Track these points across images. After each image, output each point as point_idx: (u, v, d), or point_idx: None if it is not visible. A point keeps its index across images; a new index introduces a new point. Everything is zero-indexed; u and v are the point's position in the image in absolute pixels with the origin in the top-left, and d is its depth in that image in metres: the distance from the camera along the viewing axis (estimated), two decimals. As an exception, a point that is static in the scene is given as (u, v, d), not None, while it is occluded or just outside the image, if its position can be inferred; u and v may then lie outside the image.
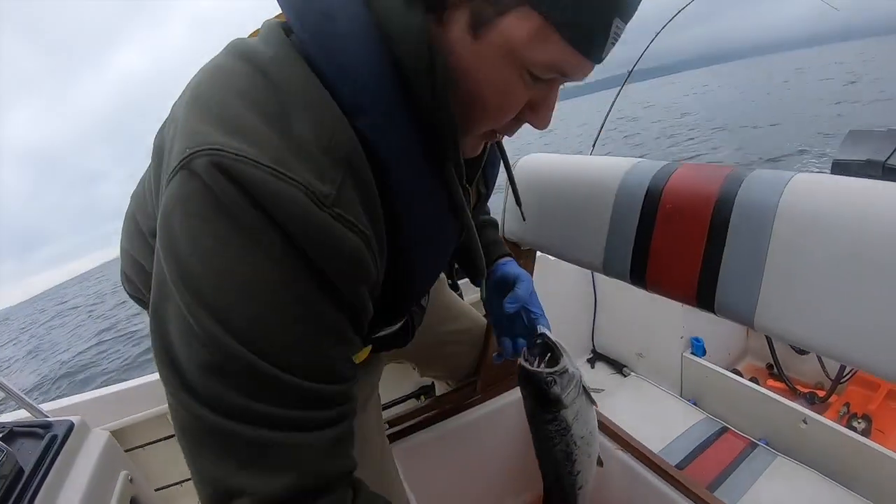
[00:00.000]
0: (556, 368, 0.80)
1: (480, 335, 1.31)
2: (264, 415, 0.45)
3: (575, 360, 0.84)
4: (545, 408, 0.83)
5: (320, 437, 0.48)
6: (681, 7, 2.42)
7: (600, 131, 2.57)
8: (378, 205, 0.51)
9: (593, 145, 2.58)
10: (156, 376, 1.83)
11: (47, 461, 1.02)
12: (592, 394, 0.87)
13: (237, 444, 0.44)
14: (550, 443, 0.86)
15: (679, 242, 0.70)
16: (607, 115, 2.60)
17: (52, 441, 1.09)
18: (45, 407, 1.70)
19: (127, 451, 1.77)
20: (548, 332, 0.86)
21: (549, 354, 0.83)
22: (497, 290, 0.98)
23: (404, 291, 0.61)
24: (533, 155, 1.04)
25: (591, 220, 0.83)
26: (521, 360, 0.83)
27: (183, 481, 1.87)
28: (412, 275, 0.60)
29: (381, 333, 0.77)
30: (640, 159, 0.83)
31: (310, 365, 0.47)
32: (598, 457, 1.01)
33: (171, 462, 1.83)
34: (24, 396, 1.34)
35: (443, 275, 1.18)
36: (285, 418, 0.45)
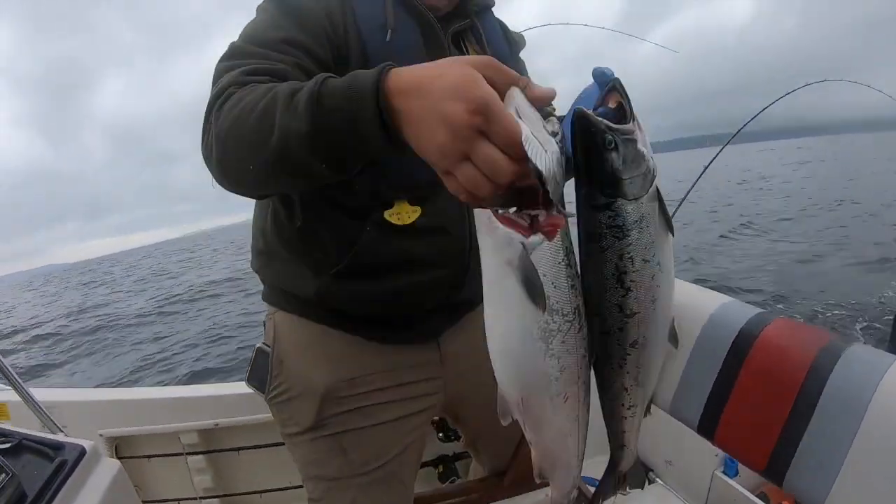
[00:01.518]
0: (620, 126, 0.62)
1: None
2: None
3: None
4: (595, 185, 0.64)
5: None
6: (794, 88, 2.60)
7: (686, 195, 2.46)
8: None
9: (677, 207, 2.38)
10: (171, 393, 1.96)
11: (52, 489, 1.00)
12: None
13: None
14: (596, 247, 0.64)
15: (761, 406, 0.68)
16: (696, 179, 2.54)
17: (60, 467, 1.06)
18: (58, 396, 1.81)
19: (132, 458, 1.86)
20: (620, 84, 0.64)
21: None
22: None
23: None
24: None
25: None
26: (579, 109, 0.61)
27: (182, 500, 1.90)
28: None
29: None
30: (732, 299, 0.83)
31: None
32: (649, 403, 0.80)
33: (174, 478, 1.89)
34: (43, 409, 1.36)
35: None
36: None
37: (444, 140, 0.50)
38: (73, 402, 1.84)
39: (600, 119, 0.62)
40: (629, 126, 0.63)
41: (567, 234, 0.63)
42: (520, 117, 0.51)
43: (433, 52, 0.93)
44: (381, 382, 1.04)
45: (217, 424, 1.84)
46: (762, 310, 0.74)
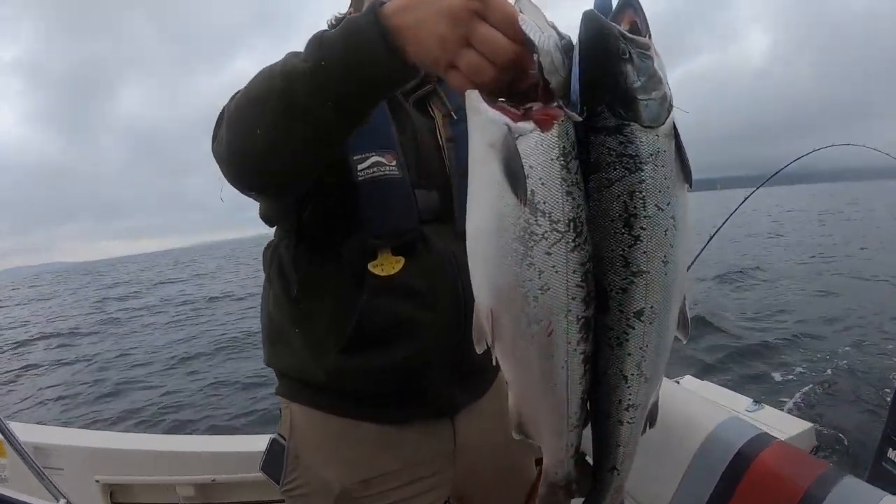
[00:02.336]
0: (637, 38, 0.55)
1: None
2: None
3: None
4: (605, 102, 0.55)
5: None
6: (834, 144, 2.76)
7: (716, 231, 2.52)
8: None
9: (706, 244, 2.46)
10: (170, 445, 1.93)
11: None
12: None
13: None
14: (603, 178, 0.56)
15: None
16: (725, 220, 2.58)
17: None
18: (57, 438, 1.89)
19: None
20: None
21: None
22: None
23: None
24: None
25: (667, 456, 0.80)
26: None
27: None
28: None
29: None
30: (735, 415, 0.83)
31: None
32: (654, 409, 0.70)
33: None
34: (42, 471, 1.44)
35: None
36: None
37: (444, 30, 0.53)
38: (71, 447, 1.86)
39: (614, 24, 0.53)
40: (646, 40, 0.55)
41: (569, 136, 0.54)
42: (521, 11, 0.53)
43: (398, 118, 0.98)
44: (395, 482, 1.04)
45: (214, 480, 1.82)
46: (761, 430, 0.78)
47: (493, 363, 0.63)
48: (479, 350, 0.62)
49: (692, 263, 2.60)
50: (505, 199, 0.53)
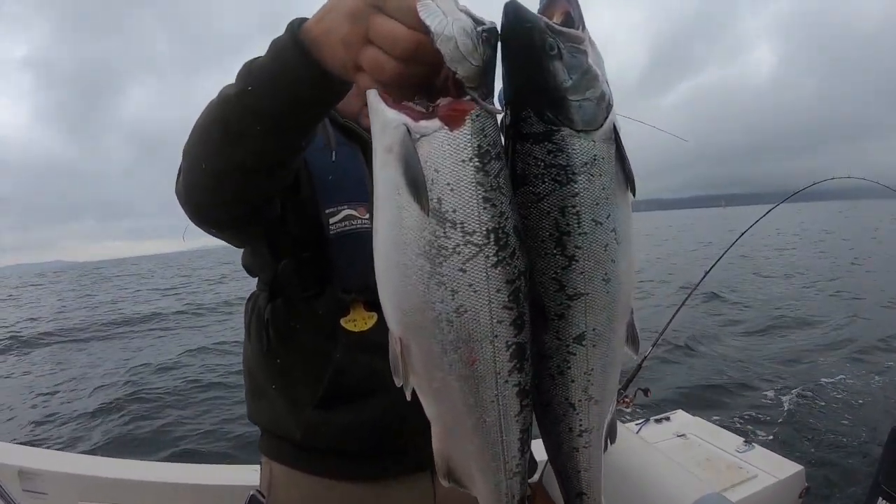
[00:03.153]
0: (566, 29, 0.49)
1: None
2: None
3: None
4: (531, 103, 0.49)
5: None
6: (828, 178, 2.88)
7: (730, 247, 2.52)
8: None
9: (717, 260, 2.47)
10: (156, 474, 1.93)
11: None
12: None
13: None
14: (530, 193, 0.51)
15: None
16: (741, 234, 2.59)
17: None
18: (43, 462, 1.89)
19: None
20: None
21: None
22: None
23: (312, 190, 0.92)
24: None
25: None
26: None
27: None
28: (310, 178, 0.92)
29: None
30: (713, 493, 0.85)
31: None
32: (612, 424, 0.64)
33: None
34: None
35: None
36: None
37: (346, 30, 0.50)
38: (56, 473, 1.86)
39: (540, 16, 0.46)
40: (578, 32, 0.48)
41: (485, 134, 0.47)
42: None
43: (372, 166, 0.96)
44: None
45: None
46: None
47: (408, 399, 0.56)
48: (397, 383, 0.55)
49: (699, 283, 2.58)
50: (407, 209, 0.46)
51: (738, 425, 4.26)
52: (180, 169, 0.75)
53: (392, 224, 0.48)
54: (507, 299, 0.48)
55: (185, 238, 0.96)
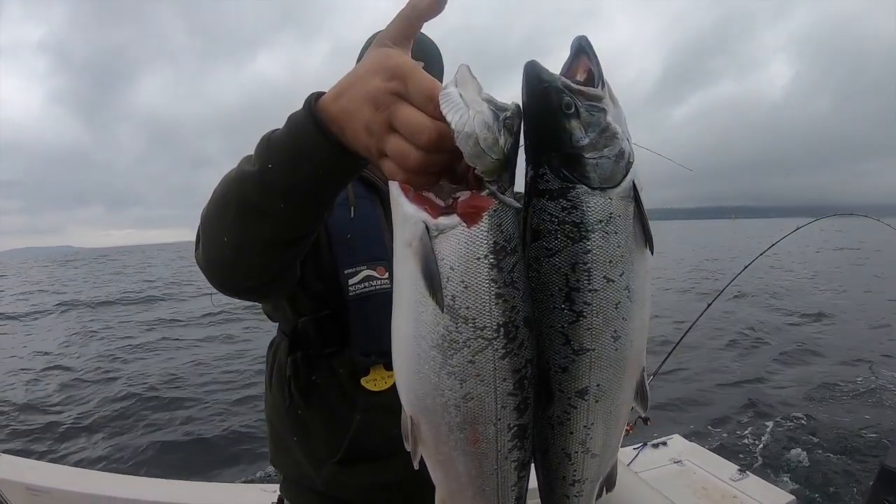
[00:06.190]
0: (585, 88, 0.48)
1: None
2: None
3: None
4: (547, 160, 0.49)
5: None
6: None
7: (754, 260, 2.52)
8: None
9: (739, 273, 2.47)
10: (162, 491, 1.92)
11: None
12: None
13: None
14: (542, 248, 0.51)
15: None
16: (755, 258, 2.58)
17: None
18: (51, 479, 1.89)
19: None
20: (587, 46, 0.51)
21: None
22: None
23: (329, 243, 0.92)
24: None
25: None
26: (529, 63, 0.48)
27: None
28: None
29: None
30: None
31: None
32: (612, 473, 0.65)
33: None
34: None
35: None
36: None
37: (368, 116, 0.49)
38: (64, 491, 1.85)
39: (558, 76, 0.46)
40: (596, 91, 0.47)
41: (502, 229, 0.48)
42: (456, 84, 0.46)
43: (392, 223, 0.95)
44: None
45: None
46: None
47: (416, 467, 0.58)
48: (408, 448, 0.58)
49: (720, 293, 2.56)
50: (423, 303, 0.48)
51: (732, 448, 4.25)
52: (198, 236, 0.74)
53: (409, 317, 0.50)
54: (512, 387, 0.51)
55: (214, 303, 0.97)
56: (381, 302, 0.89)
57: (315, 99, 0.55)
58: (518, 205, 0.48)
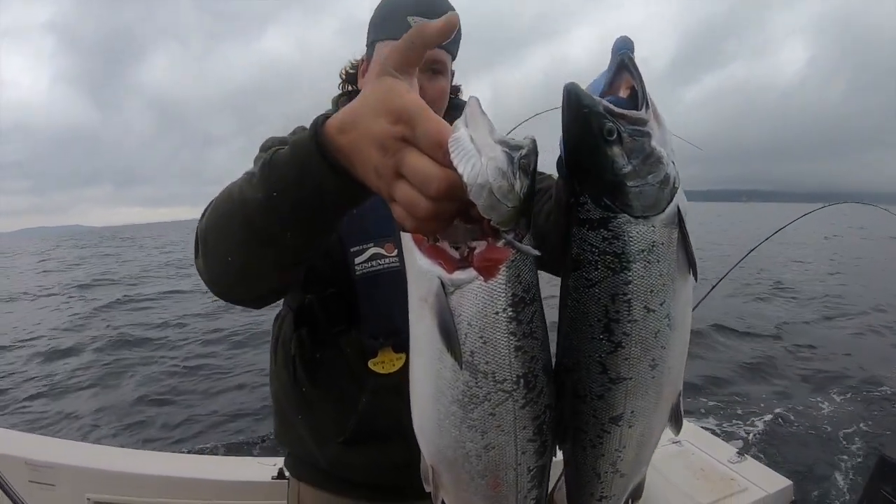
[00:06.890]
0: (629, 112, 0.46)
1: None
2: None
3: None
4: (588, 190, 0.47)
5: None
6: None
7: (758, 246, 2.44)
8: None
9: (742, 258, 2.41)
10: (167, 467, 1.89)
11: None
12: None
13: None
14: (582, 278, 0.49)
15: None
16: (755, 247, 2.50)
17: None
18: (50, 453, 1.86)
19: None
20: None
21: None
22: None
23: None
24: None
25: None
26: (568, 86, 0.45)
27: None
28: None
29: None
30: None
31: None
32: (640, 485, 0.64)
33: None
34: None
35: None
36: None
37: (376, 160, 0.47)
38: (64, 465, 1.82)
39: (599, 99, 0.43)
40: (640, 114, 0.45)
41: (520, 280, 0.46)
42: (466, 125, 0.43)
43: None
44: None
45: None
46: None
47: None
48: (427, 489, 0.59)
49: (720, 281, 2.54)
50: (442, 360, 0.47)
51: (732, 431, 4.32)
52: (197, 246, 0.72)
53: (428, 374, 0.49)
54: (532, 434, 0.52)
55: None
56: (389, 280, 0.88)
57: (322, 122, 0.52)
58: (537, 252, 0.45)
